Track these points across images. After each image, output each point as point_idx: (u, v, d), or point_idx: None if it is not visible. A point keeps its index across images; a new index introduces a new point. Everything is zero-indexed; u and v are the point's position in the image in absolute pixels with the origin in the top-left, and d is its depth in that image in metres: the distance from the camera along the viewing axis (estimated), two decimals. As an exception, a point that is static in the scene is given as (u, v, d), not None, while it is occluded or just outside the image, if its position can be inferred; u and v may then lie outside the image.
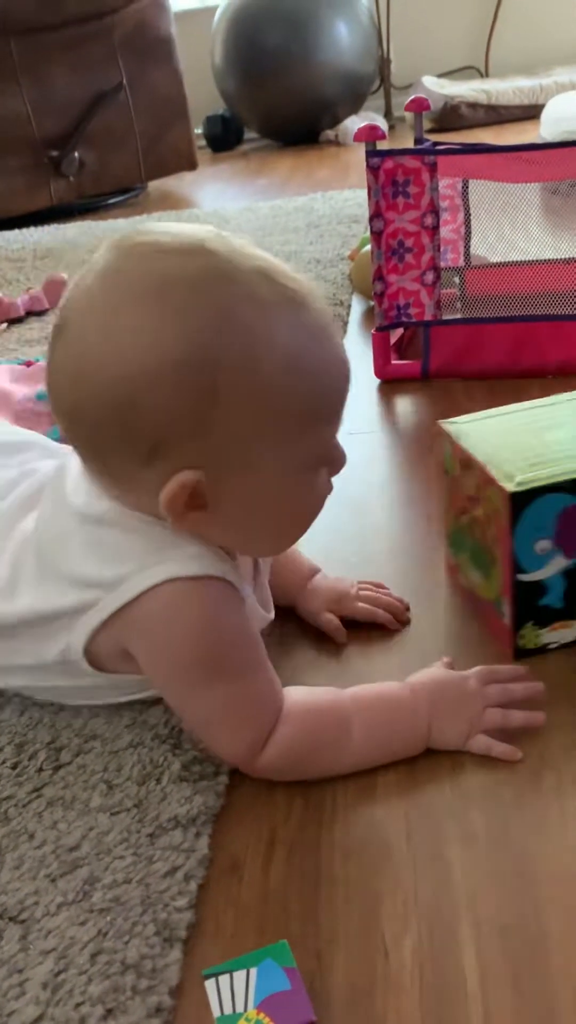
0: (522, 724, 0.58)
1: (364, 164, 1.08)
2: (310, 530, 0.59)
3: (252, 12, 3.53)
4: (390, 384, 1.19)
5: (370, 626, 0.70)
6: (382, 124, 3.48)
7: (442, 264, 1.25)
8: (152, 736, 0.60)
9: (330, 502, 0.59)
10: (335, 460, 0.56)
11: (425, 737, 0.57)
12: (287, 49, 3.46)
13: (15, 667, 0.62)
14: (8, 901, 0.50)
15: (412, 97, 1.26)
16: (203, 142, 3.99)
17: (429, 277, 1.14)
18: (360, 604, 0.70)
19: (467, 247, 1.31)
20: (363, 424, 1.09)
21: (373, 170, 1.08)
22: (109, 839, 0.53)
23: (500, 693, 0.59)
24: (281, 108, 3.63)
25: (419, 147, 1.12)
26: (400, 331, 1.25)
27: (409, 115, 1.29)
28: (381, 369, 1.19)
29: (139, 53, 2.50)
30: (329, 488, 0.58)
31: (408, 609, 0.72)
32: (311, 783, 0.57)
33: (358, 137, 1.08)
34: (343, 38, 3.55)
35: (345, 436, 0.56)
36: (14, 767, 0.59)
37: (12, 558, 0.60)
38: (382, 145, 1.08)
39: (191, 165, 2.74)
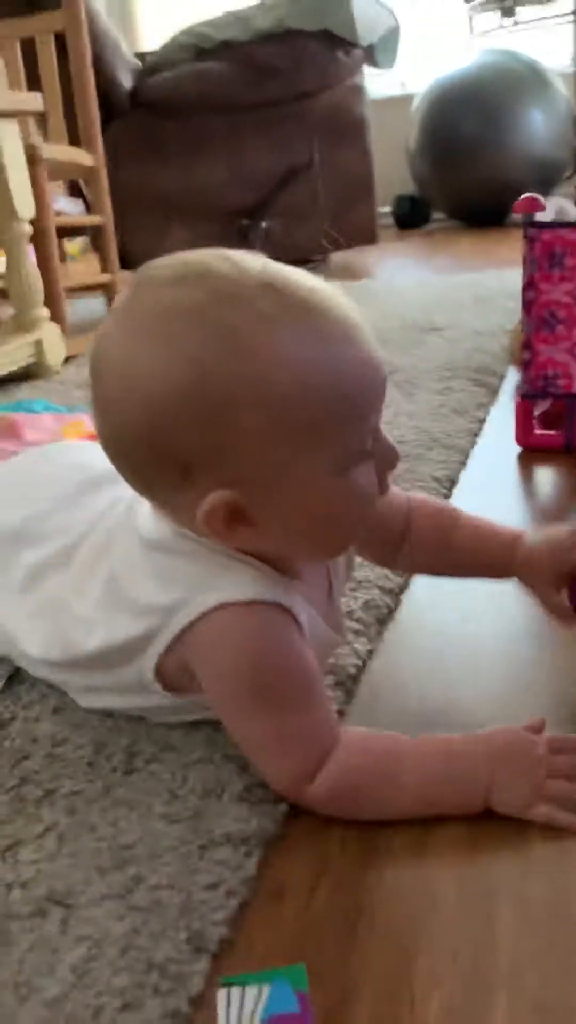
0: None
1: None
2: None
3: (450, 99, 3.65)
4: (531, 454, 1.17)
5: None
6: (572, 211, 3.48)
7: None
8: (222, 755, 0.61)
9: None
10: (381, 456, 0.56)
11: (483, 796, 0.55)
12: (481, 135, 3.55)
13: (98, 688, 0.65)
14: (58, 885, 0.52)
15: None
16: (390, 220, 4.12)
17: (580, 349, 1.12)
18: None
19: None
20: (501, 494, 1.08)
21: (530, 241, 1.09)
22: (162, 844, 0.54)
23: (569, 765, 0.56)
24: (469, 191, 3.71)
25: (581, 221, 1.12)
26: (548, 403, 1.23)
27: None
28: (522, 437, 1.17)
29: (332, 134, 2.64)
30: (382, 485, 0.57)
31: None
32: (370, 824, 0.56)
33: (517, 209, 1.09)
34: (538, 126, 3.60)
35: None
36: (90, 764, 0.62)
37: (95, 594, 0.63)
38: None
39: (371, 239, 2.83)
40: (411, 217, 4.06)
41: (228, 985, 0.42)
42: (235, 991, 0.41)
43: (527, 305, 1.11)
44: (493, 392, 1.40)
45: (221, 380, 0.50)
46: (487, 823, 0.55)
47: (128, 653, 0.60)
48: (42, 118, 2.08)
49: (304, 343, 0.51)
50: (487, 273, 2.39)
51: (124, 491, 0.63)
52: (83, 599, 0.64)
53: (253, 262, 0.52)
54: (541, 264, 1.09)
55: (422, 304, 2.06)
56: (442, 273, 2.55)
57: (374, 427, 0.55)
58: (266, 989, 0.41)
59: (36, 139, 1.82)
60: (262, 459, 0.52)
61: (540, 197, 1.09)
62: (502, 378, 1.47)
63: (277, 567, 0.58)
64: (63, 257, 2.36)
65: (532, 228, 1.08)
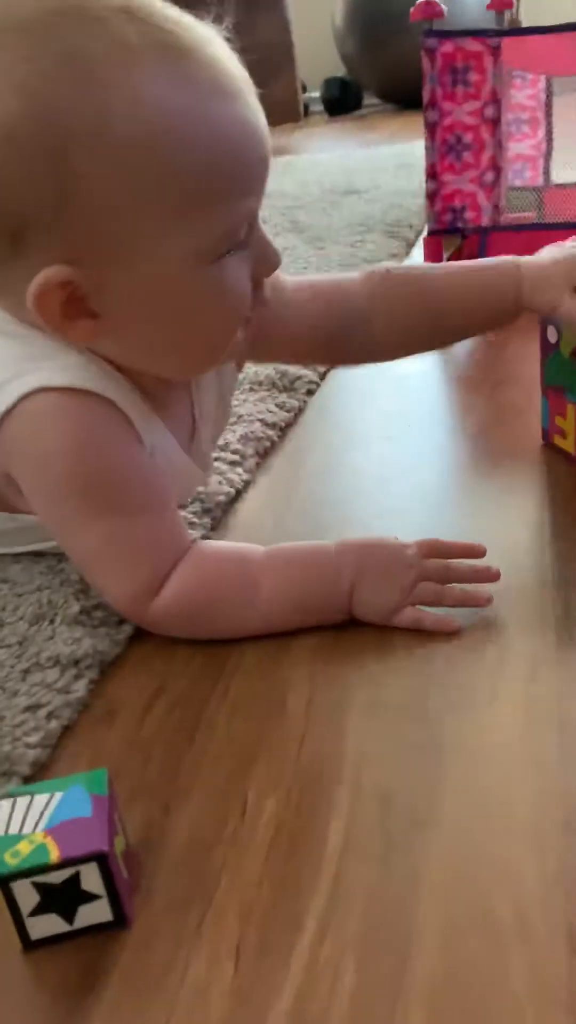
0: (460, 603, 0.49)
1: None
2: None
3: (376, -32, 3.43)
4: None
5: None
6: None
7: (518, 183, 1.15)
8: (60, 581, 0.55)
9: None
10: (260, 253, 0.47)
11: (345, 602, 0.49)
12: (411, 6, 3.34)
13: None
14: None
15: (493, -5, 1.16)
16: (320, 107, 3.93)
17: (488, 177, 1.04)
18: None
19: (547, 165, 1.20)
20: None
21: (429, 53, 0.99)
22: (-21, 672, 0.48)
23: (441, 569, 0.50)
24: (402, 70, 3.51)
25: (482, 29, 1.02)
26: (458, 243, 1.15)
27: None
28: (431, 280, 1.10)
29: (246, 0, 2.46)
30: (257, 292, 0.49)
31: None
32: (220, 643, 0.50)
33: (414, 15, 0.99)
34: (471, -4, 3.41)
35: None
36: None
37: None
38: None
39: (294, 116, 2.68)
40: (342, 101, 3.85)
41: (13, 796, 0.36)
42: (21, 800, 0.35)
43: (430, 128, 1.02)
44: (408, 244, 1.32)
45: (58, 115, 0.40)
46: (348, 633, 0.49)
47: None
48: None
49: (166, 84, 0.41)
50: (415, 144, 2.26)
51: None
52: None
53: None
54: (443, 80, 1.00)
55: (343, 172, 1.95)
56: (368, 147, 2.42)
57: (250, 214, 0.46)
58: (57, 796, 0.35)
59: None
60: (109, 224, 0.42)
61: (438, 2, 0.99)
62: (419, 232, 1.38)
63: (136, 383, 0.50)
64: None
65: (431, 38, 0.98)
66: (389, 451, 0.71)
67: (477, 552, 0.51)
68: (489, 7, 1.18)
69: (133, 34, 0.41)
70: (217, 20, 0.47)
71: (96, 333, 0.46)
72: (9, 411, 0.47)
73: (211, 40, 0.44)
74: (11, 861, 0.33)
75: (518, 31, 1.01)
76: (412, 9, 0.99)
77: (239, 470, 0.69)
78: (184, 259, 0.45)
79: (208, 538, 0.60)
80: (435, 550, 0.50)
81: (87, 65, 0.40)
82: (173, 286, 0.45)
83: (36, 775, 0.42)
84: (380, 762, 0.41)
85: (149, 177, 0.42)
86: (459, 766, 0.40)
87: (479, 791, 0.38)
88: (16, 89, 0.40)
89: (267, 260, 0.48)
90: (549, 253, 0.61)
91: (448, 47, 0.99)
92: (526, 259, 0.61)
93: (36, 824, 0.34)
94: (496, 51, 0.98)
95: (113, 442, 0.48)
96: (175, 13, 0.43)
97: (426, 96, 1.01)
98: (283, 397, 0.82)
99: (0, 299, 0.48)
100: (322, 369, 0.89)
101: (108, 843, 0.33)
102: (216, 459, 0.68)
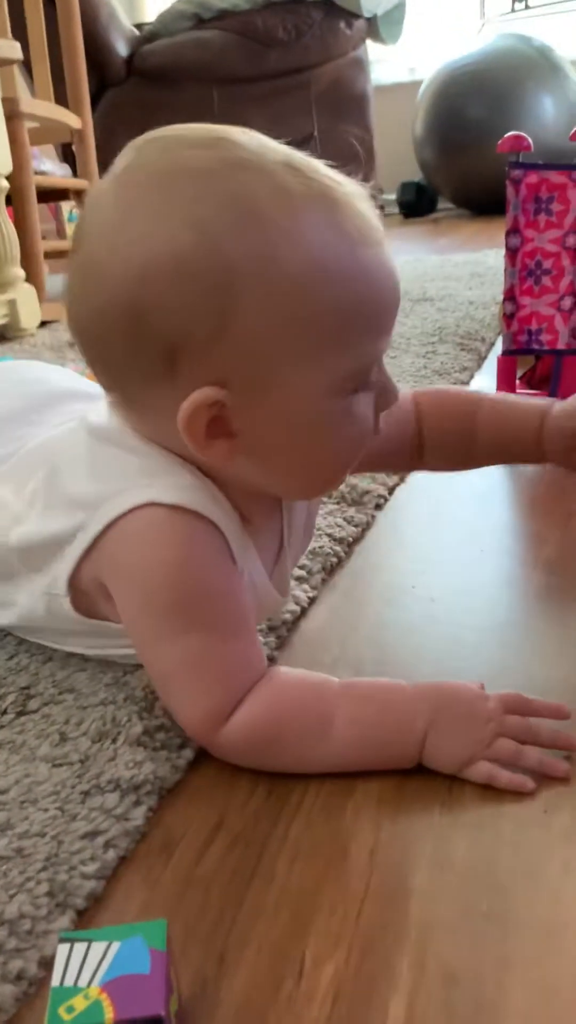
0: (535, 768, 0.47)
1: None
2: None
3: (457, 83, 3.58)
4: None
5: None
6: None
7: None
8: (125, 696, 0.54)
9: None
10: (382, 388, 0.50)
11: (416, 748, 0.48)
12: (488, 120, 3.46)
13: (8, 603, 0.58)
14: None
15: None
16: (396, 209, 4.05)
17: (567, 303, 1.05)
18: None
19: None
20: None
21: (514, 183, 1.02)
22: (40, 789, 0.47)
23: (521, 727, 0.48)
24: (477, 178, 3.62)
25: (567, 163, 1.04)
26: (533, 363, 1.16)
27: None
28: (503, 398, 1.10)
29: (333, 107, 2.57)
30: (375, 426, 0.51)
31: None
32: (284, 778, 0.49)
33: (502, 147, 1.02)
34: (548, 112, 3.52)
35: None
36: (-20, 705, 0.55)
37: (32, 487, 0.57)
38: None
39: (371, 219, 2.76)
40: (417, 205, 3.98)
41: (70, 941, 0.35)
42: (78, 948, 0.34)
43: (511, 253, 1.04)
44: (479, 357, 1.33)
45: (226, 249, 0.43)
46: (416, 780, 0.48)
47: (47, 554, 0.54)
48: (30, 77, 2.02)
49: (325, 230, 0.45)
50: (487, 252, 2.32)
51: (84, 407, 0.57)
52: (20, 493, 0.58)
53: (275, 143, 0.47)
54: (526, 209, 1.02)
55: (416, 278, 1.99)
56: (442, 253, 2.48)
57: (379, 355, 0.49)
58: (115, 946, 0.34)
59: (18, 93, 1.76)
60: (260, 354, 0.45)
61: (526, 136, 1.02)
62: (491, 345, 1.40)
63: (235, 505, 0.52)
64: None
65: (517, 169, 1.01)
66: (461, 578, 0.70)
67: (562, 715, 0.49)
68: (572, 138, 1.22)
69: (295, 183, 0.44)
70: (364, 180, 0.51)
71: (233, 452, 0.48)
72: (117, 520, 0.49)
73: (360, 195, 0.47)
74: (65, 1017, 0.32)
75: (603, 166, 1.03)
76: (500, 142, 1.02)
77: (305, 587, 0.69)
78: (319, 391, 0.47)
79: (273, 657, 0.60)
80: (517, 706, 0.49)
81: (254, 207, 0.44)
82: (307, 415, 0.47)
83: (90, 908, 0.41)
84: (446, 933, 0.39)
85: (303, 311, 0.44)
86: (529, 944, 0.38)
87: (549, 975, 0.37)
88: (189, 225, 0.43)
89: (388, 395, 0.51)
90: (572, 402, 0.61)
91: (532, 178, 1.02)
92: (554, 410, 0.62)
93: (92, 977, 0.33)
94: (580, 184, 1.01)
95: (212, 563, 0.49)
96: (330, 170, 0.47)
97: (509, 222, 1.03)
98: (351, 511, 0.82)
99: (135, 414, 0.51)
100: (391, 483, 0.90)
101: (164, 1005, 0.32)
102: (283, 574, 0.68)
